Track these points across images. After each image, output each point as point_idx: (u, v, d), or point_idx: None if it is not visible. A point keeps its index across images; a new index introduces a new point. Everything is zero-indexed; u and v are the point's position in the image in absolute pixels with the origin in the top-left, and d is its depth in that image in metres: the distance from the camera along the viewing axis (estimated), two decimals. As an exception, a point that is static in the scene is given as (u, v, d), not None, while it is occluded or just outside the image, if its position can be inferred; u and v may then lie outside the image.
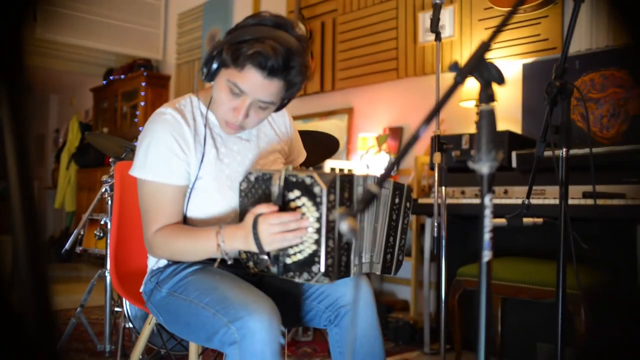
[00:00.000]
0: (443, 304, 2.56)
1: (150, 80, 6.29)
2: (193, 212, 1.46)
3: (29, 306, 0.67)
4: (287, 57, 1.33)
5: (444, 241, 2.48)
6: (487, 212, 0.99)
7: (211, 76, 1.40)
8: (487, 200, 0.99)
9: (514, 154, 2.80)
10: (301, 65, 1.37)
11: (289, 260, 1.30)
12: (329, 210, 1.23)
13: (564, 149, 1.51)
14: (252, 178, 1.36)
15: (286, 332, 1.28)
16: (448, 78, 3.62)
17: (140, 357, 2.17)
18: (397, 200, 1.44)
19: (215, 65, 1.38)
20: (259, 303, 1.24)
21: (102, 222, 2.61)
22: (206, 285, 1.35)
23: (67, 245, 2.54)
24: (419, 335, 3.16)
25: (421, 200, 3.08)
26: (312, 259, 1.26)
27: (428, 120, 0.96)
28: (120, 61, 6.95)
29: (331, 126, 4.46)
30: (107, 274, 2.52)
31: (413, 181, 3.60)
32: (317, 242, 1.25)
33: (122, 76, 6.63)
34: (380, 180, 0.93)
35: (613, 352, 2.45)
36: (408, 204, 1.47)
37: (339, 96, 4.49)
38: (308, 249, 1.27)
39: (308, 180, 1.25)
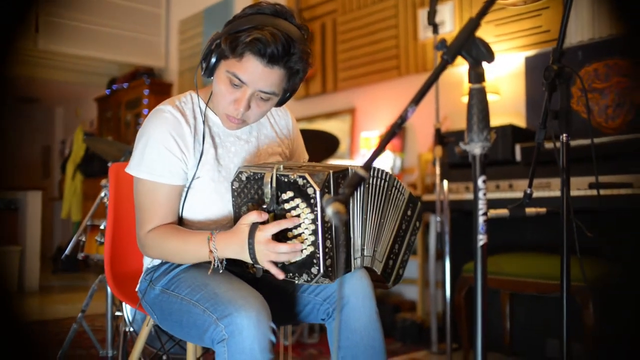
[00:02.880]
0: (448, 301, 2.52)
1: (153, 88, 6.30)
2: (189, 212, 1.43)
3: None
4: (287, 43, 1.29)
5: (447, 236, 2.44)
6: (481, 194, 0.95)
7: (211, 71, 1.37)
8: (480, 182, 0.95)
9: (517, 147, 2.76)
10: (302, 52, 1.32)
11: (287, 262, 1.26)
12: (324, 211, 1.19)
13: (564, 135, 1.47)
14: (244, 177, 1.32)
15: (277, 328, 1.24)
16: (448, 74, 3.58)
17: (141, 358, 2.15)
18: (409, 212, 1.42)
19: (214, 60, 1.34)
20: (247, 299, 1.21)
21: (102, 227, 2.58)
22: (198, 282, 1.32)
23: (67, 251, 2.52)
24: (426, 335, 3.11)
25: (425, 197, 3.04)
26: (311, 260, 1.23)
27: (416, 100, 0.93)
28: (123, 70, 6.96)
29: (334, 127, 4.43)
30: (108, 278, 2.49)
31: (417, 179, 3.56)
32: (314, 243, 1.22)
33: (125, 85, 6.64)
34: (368, 163, 0.89)
35: (622, 346, 2.39)
36: (418, 223, 1.46)
37: (341, 97, 4.46)
38: (306, 250, 1.23)
39: (300, 181, 1.21)
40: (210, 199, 1.41)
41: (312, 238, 1.22)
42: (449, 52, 0.95)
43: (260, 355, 1.16)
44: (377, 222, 1.36)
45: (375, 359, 1.36)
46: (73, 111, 8.52)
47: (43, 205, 5.28)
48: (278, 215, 1.26)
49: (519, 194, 2.58)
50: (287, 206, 1.24)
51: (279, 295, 1.46)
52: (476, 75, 0.96)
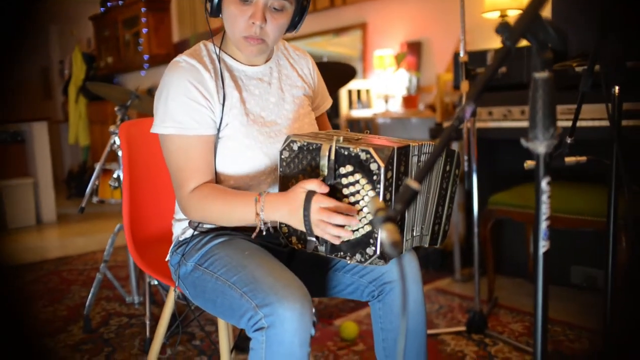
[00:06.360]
0: (476, 236, 2.47)
1: (150, 5, 5.98)
2: (224, 164, 1.35)
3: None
4: None
5: (475, 174, 2.35)
6: (545, 197, 0.86)
7: (218, 7, 1.31)
8: (544, 184, 0.85)
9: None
10: None
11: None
12: (386, 189, 1.13)
13: (617, 87, 1.34)
14: (296, 147, 1.24)
15: (317, 321, 1.18)
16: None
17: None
18: (447, 168, 1.32)
19: None
20: (290, 289, 1.14)
21: (115, 176, 2.51)
22: (234, 262, 1.25)
23: (83, 203, 2.46)
24: (448, 261, 3.11)
25: (446, 124, 2.92)
26: (367, 240, 1.16)
27: (475, 97, 0.81)
28: (116, -15, 6.60)
29: (343, 44, 4.22)
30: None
31: (436, 99, 3.42)
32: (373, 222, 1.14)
33: (120, 2, 6.32)
34: (421, 176, 0.79)
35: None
36: (457, 171, 1.35)
37: (351, 11, 4.21)
38: (362, 229, 1.17)
39: (363, 156, 1.14)
40: (244, 144, 1.33)
41: (370, 217, 1.15)
42: (512, 37, 0.82)
43: (299, 349, 1.11)
44: (424, 199, 1.28)
45: (417, 343, 1.33)
46: (69, 30, 8.18)
47: (49, 132, 5.18)
48: (334, 189, 1.20)
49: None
50: (344, 181, 1.18)
51: (320, 272, 1.41)
52: (542, 62, 0.83)
